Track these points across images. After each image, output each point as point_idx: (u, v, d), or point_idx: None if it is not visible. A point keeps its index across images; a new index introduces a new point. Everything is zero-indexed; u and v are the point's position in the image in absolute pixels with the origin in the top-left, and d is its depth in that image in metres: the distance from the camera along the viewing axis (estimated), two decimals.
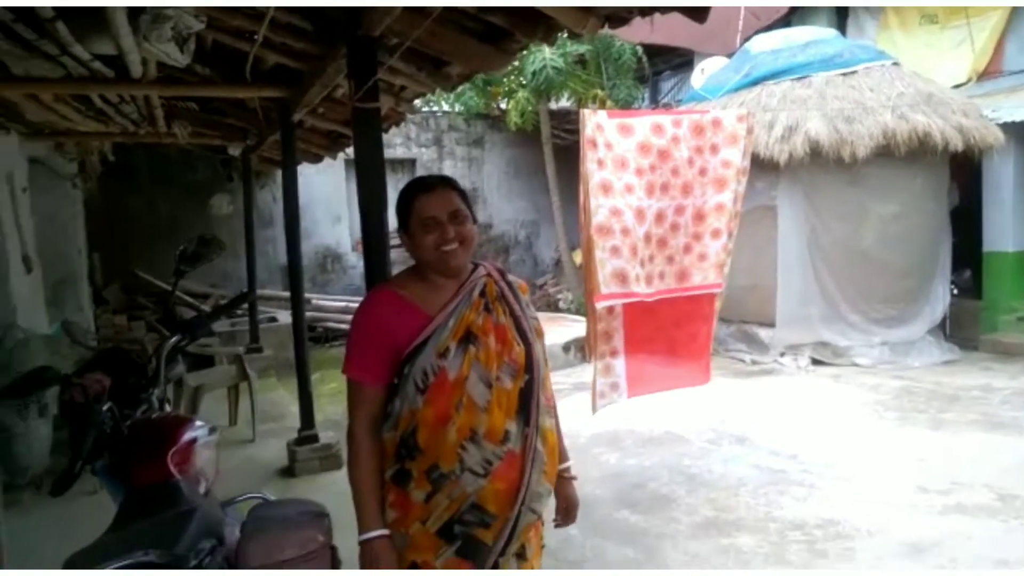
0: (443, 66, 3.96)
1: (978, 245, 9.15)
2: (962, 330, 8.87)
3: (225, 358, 7.07)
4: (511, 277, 2.08)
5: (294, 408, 5.37)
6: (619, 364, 4.35)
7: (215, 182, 10.47)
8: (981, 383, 7.05)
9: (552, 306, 11.33)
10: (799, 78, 8.06)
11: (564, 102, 11.43)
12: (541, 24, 2.90)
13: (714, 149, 4.27)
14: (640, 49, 10.71)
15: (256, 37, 4.00)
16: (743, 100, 8.00)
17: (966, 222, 8.92)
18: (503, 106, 11.52)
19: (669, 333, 4.31)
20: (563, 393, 6.84)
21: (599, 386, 4.42)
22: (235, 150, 7.87)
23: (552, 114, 11.10)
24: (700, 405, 6.15)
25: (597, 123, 4.11)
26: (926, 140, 7.41)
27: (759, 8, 12.19)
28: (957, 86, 9.17)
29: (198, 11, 3.42)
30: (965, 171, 8.81)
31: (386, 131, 6.18)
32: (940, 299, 8.49)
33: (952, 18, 9.95)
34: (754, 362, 8.26)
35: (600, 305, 4.16)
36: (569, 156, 10.64)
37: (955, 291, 8.88)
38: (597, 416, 4.56)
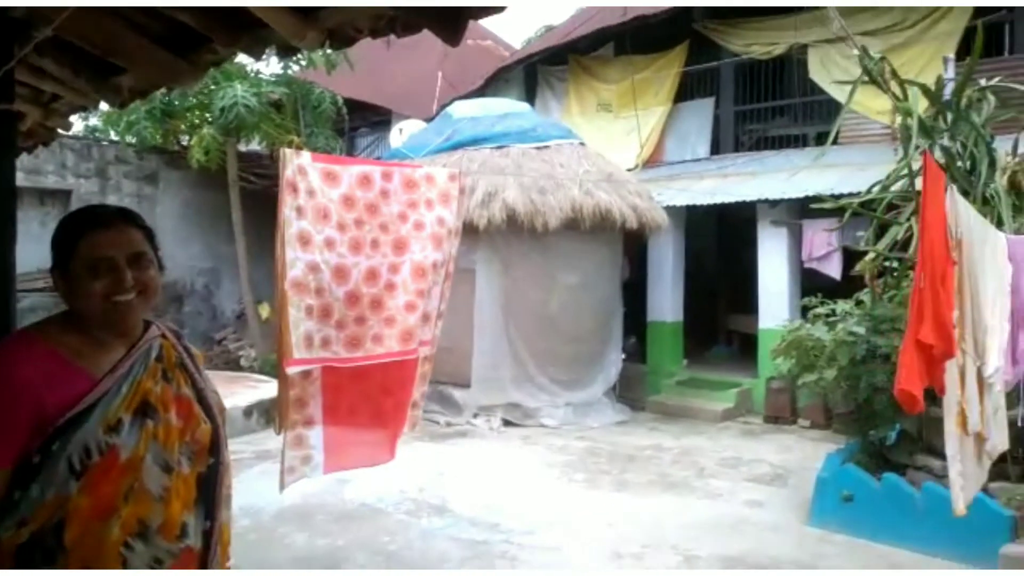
0: (112, 74, 3.20)
1: (643, 315, 10.12)
2: (630, 392, 9.62)
3: None
4: (187, 342, 1.72)
5: None
6: (314, 435, 3.80)
7: None
8: (652, 443, 7.60)
9: (233, 364, 10.25)
10: (497, 147, 8.34)
11: (255, 145, 10.67)
12: (246, 32, 2.38)
13: (429, 204, 4.01)
14: (341, 99, 10.40)
15: None
16: (445, 163, 8.02)
17: (633, 294, 9.81)
18: (184, 142, 10.43)
19: (377, 401, 3.88)
20: (243, 463, 6.08)
21: (288, 460, 3.80)
22: None
23: (241, 156, 10.27)
24: (396, 472, 5.74)
25: (299, 165, 3.61)
26: (607, 216, 8.00)
27: (456, 78, 12.67)
28: (628, 170, 10.18)
29: None
30: (633, 248, 9.72)
31: (30, 151, 5.05)
32: (613, 364, 9.15)
33: (624, 109, 11.14)
34: (448, 424, 8.17)
35: (293, 370, 3.61)
36: (257, 202, 9.90)
37: (624, 356, 9.64)
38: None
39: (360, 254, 3.80)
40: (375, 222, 3.88)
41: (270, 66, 10.30)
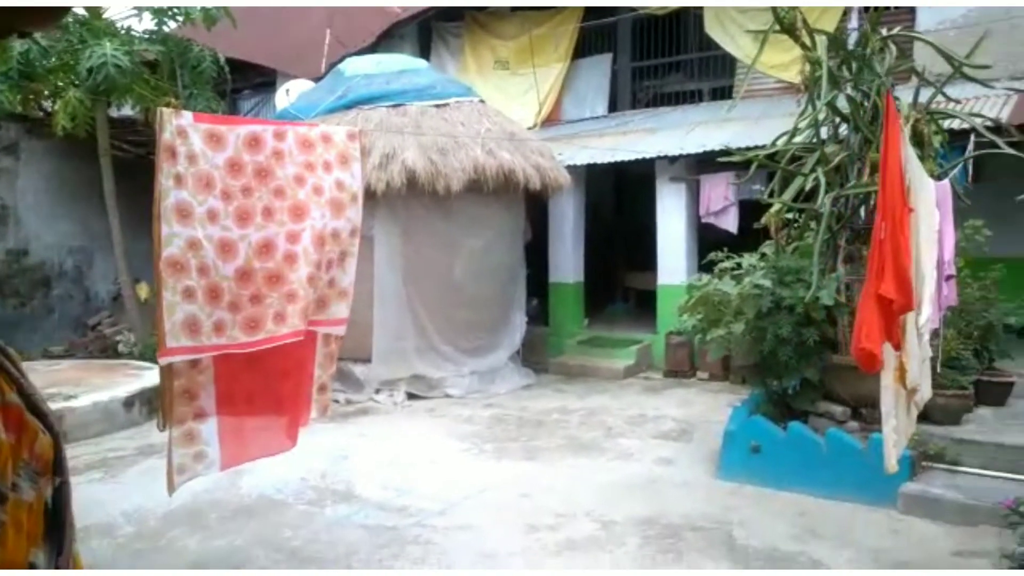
0: None
1: (544, 276, 10.03)
2: (533, 354, 9.56)
3: None
4: (1, 343, 1.37)
5: None
6: (208, 429, 3.48)
7: None
8: (558, 406, 7.56)
9: (110, 351, 9.44)
10: (394, 105, 7.95)
11: (128, 110, 9.81)
12: None
13: (327, 167, 3.69)
14: (223, 57, 9.67)
15: None
16: (339, 122, 7.57)
17: (533, 255, 9.69)
18: (48, 107, 9.49)
19: (276, 386, 3.57)
20: (125, 461, 5.57)
21: (178, 458, 3.46)
22: None
23: (112, 122, 9.41)
24: (295, 458, 5.36)
25: (179, 126, 3.23)
26: (511, 177, 7.77)
27: (345, 35, 12.07)
28: (528, 129, 9.98)
29: None
30: (534, 208, 9.57)
31: None
32: (518, 328, 9.04)
33: (521, 66, 10.89)
34: (349, 401, 7.83)
35: (169, 360, 3.26)
36: (133, 173, 9.08)
37: (527, 319, 9.54)
38: None
39: (249, 226, 3.46)
40: (267, 188, 3.53)
41: (143, 22, 9.44)
